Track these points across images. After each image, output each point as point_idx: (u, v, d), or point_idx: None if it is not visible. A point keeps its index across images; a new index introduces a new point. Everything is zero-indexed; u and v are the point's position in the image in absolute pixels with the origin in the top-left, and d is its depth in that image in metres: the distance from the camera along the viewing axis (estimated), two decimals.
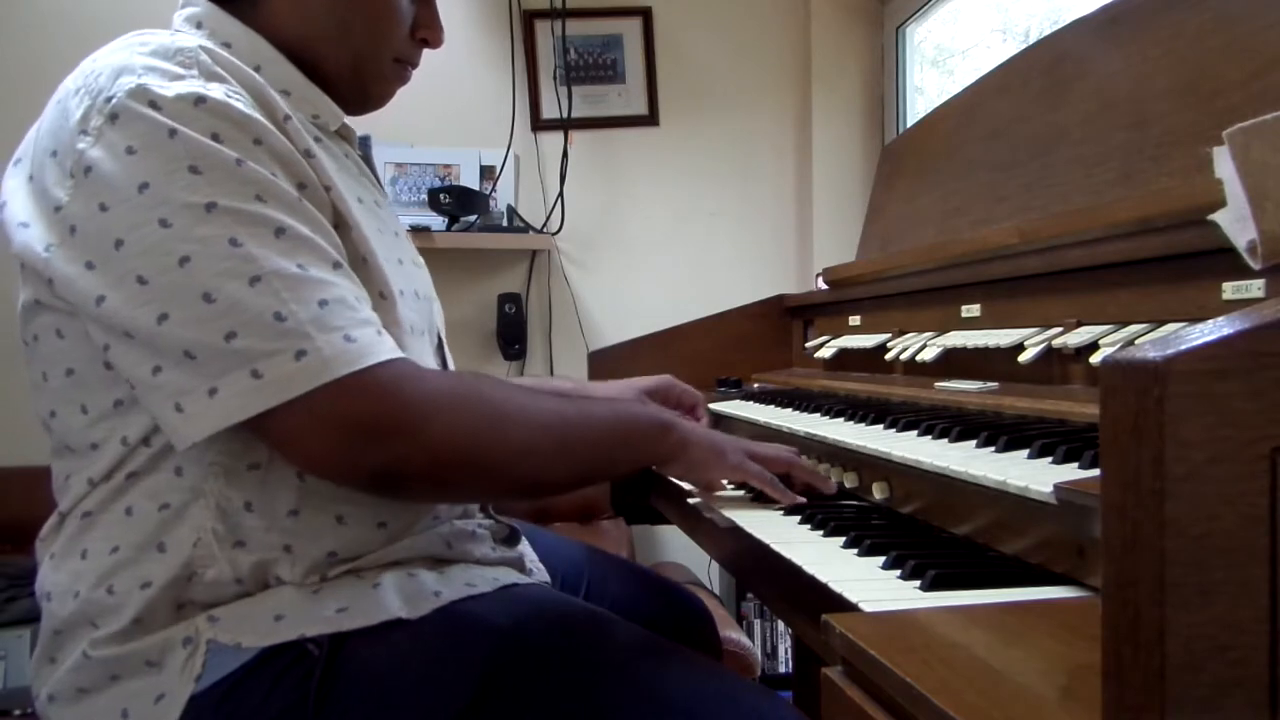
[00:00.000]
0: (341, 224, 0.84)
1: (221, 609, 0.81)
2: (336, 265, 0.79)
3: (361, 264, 0.85)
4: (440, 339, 1.03)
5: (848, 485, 1.06)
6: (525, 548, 1.04)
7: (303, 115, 0.89)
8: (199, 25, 0.89)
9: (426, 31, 0.97)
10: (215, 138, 0.77)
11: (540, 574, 1.05)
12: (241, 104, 0.79)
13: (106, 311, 0.76)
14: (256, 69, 0.87)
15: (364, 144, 1.03)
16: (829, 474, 1.11)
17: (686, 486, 1.11)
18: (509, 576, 0.93)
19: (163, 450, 0.80)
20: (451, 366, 0.99)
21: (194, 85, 0.78)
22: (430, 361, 0.96)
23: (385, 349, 0.78)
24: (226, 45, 0.87)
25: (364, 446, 0.76)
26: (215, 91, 0.78)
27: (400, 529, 0.88)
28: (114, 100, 0.76)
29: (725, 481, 1.07)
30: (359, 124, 1.01)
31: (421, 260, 1.03)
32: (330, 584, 0.84)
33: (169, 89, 0.77)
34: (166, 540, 0.81)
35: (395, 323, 0.86)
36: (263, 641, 0.80)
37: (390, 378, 0.77)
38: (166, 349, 0.75)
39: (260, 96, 0.82)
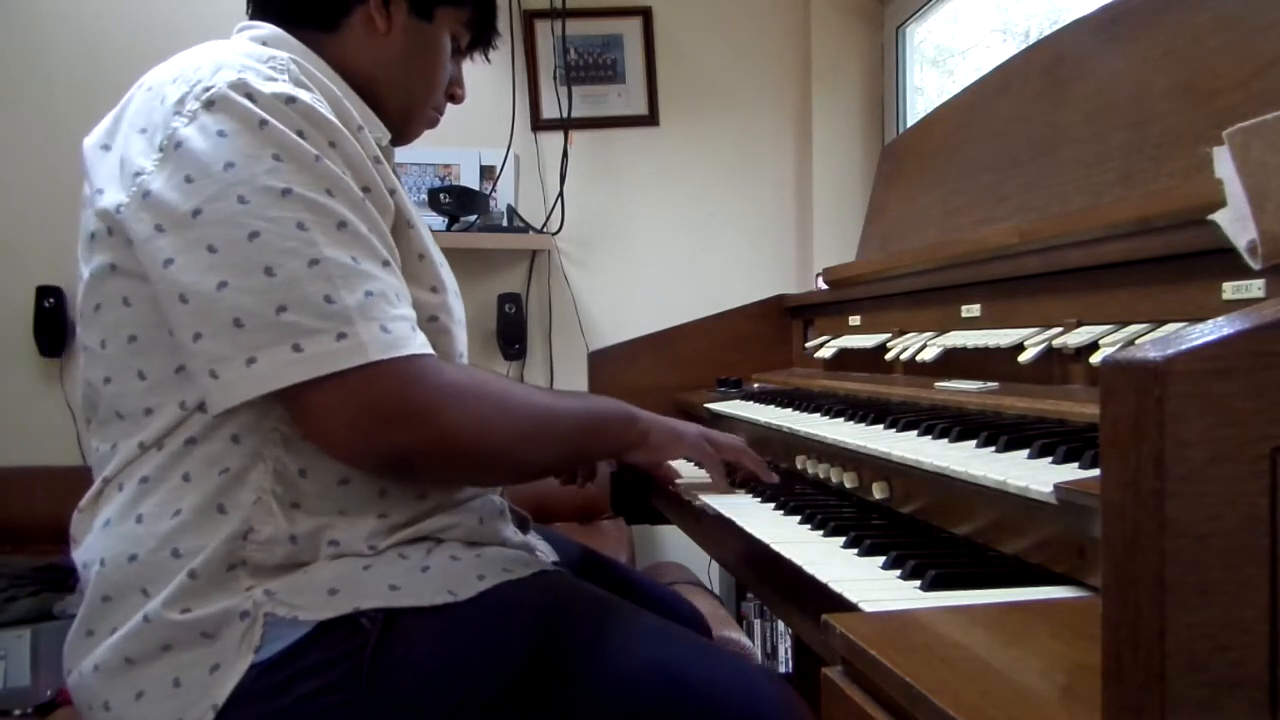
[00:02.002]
0: (403, 224, 0.93)
1: (277, 582, 0.85)
2: (385, 263, 0.86)
3: (419, 260, 0.95)
4: None
5: (848, 485, 1.06)
6: (534, 537, 1.09)
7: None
8: (263, 44, 0.95)
9: (457, 88, 1.13)
10: (300, 134, 0.84)
11: (549, 554, 1.09)
12: (325, 110, 0.87)
13: (170, 273, 0.82)
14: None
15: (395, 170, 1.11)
16: (829, 474, 1.11)
17: (682, 482, 1.19)
18: (536, 560, 0.99)
19: (219, 417, 0.85)
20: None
21: (286, 87, 0.86)
22: (468, 348, 1.04)
23: (415, 343, 0.85)
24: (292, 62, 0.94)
25: (381, 429, 0.82)
26: (304, 96, 0.86)
27: (440, 503, 0.94)
28: (213, 89, 0.84)
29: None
30: None
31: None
32: (381, 558, 0.88)
33: (265, 86, 0.85)
34: (226, 502, 0.85)
35: (447, 311, 0.97)
36: (319, 615, 0.84)
37: (415, 369, 0.84)
38: (217, 315, 0.80)
39: (338, 106, 0.90)
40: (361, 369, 0.81)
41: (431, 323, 0.94)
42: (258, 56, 0.88)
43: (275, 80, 0.86)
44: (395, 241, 0.91)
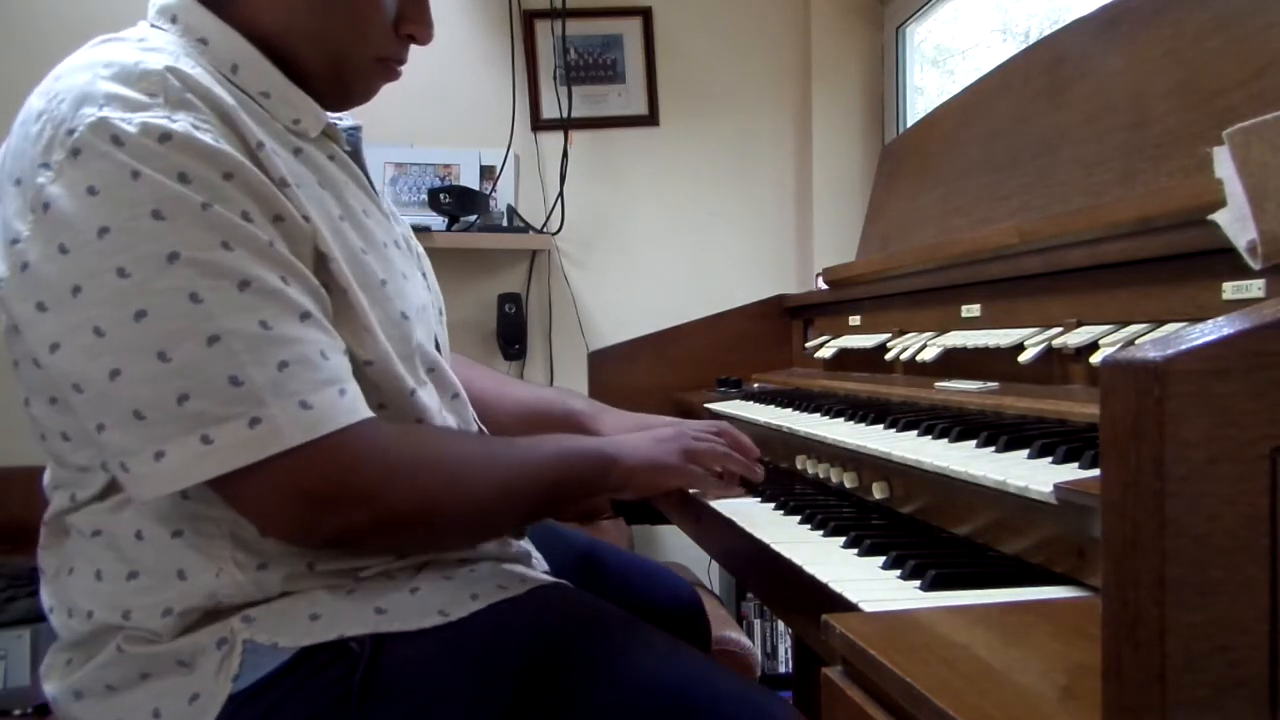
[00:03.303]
0: (320, 257, 0.81)
1: (257, 609, 0.81)
2: (305, 316, 0.76)
3: (341, 294, 0.82)
4: (437, 343, 1.01)
5: (848, 485, 1.06)
6: (527, 542, 1.05)
7: (281, 125, 0.86)
8: (174, 19, 0.85)
9: (414, 27, 0.91)
10: (182, 178, 0.73)
11: (541, 563, 1.06)
12: (209, 136, 0.75)
13: (58, 360, 0.74)
14: (233, 69, 0.84)
15: (353, 137, 0.98)
16: (829, 474, 1.11)
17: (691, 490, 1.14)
18: (531, 574, 0.95)
19: None
20: (449, 373, 0.97)
21: (158, 117, 0.74)
22: (434, 365, 0.94)
23: (343, 412, 0.76)
24: (203, 41, 0.84)
25: (319, 515, 0.75)
26: (180, 124, 0.74)
27: None
28: (76, 134, 0.73)
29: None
30: (365, 116, 0.99)
31: (415, 262, 1.01)
32: (365, 584, 0.84)
33: (132, 121, 0.73)
34: (186, 569, 0.80)
35: (379, 355, 0.85)
36: (300, 641, 0.80)
37: (350, 445, 0.76)
38: (115, 407, 0.72)
39: (232, 122, 0.78)
40: (282, 456, 0.72)
41: (369, 367, 0.85)
42: (128, 74, 0.75)
43: (146, 109, 0.74)
44: (316, 274, 0.81)
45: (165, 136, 0.73)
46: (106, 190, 0.72)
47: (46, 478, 0.88)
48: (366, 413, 0.78)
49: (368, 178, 0.96)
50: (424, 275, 1.04)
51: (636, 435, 1.04)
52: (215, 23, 0.85)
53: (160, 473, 0.72)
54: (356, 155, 0.96)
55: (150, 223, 0.72)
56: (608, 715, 0.82)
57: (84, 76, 0.76)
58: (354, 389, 0.78)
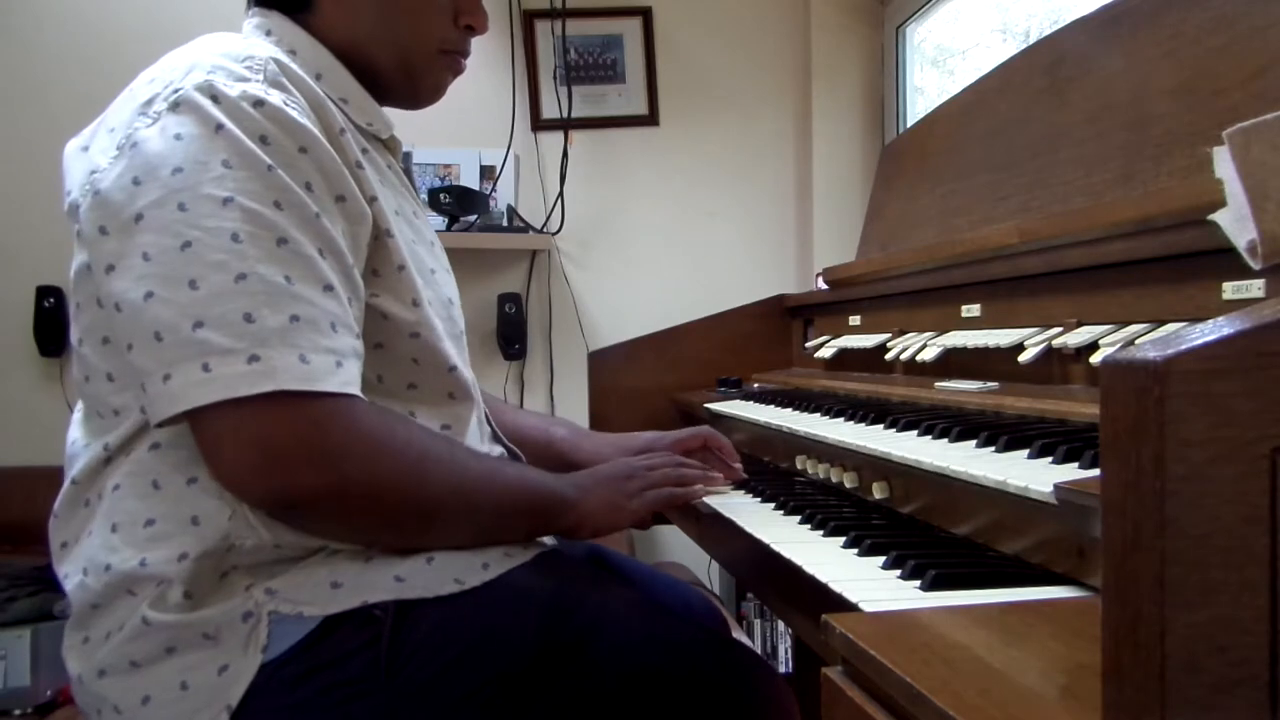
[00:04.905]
0: (382, 234, 0.89)
1: (278, 580, 0.83)
2: (328, 288, 0.81)
3: (398, 272, 0.90)
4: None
5: (848, 485, 1.06)
6: None
7: (358, 124, 0.95)
8: (268, 33, 0.93)
9: (470, 18, 0.99)
10: (263, 139, 0.80)
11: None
12: (296, 112, 0.83)
13: (110, 280, 0.79)
14: (318, 77, 0.92)
15: (405, 158, 1.06)
16: (829, 473, 1.11)
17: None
18: (535, 543, 0.97)
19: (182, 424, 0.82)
20: (468, 370, 1.00)
21: (257, 89, 0.82)
22: (464, 360, 0.98)
23: (335, 380, 0.79)
24: (293, 53, 0.92)
25: (271, 468, 0.77)
26: (274, 98, 0.82)
27: None
28: (180, 91, 0.81)
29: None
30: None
31: (450, 267, 1.06)
32: (379, 551, 0.87)
33: (233, 88, 0.81)
34: (199, 514, 0.82)
35: (429, 327, 0.91)
36: (325, 610, 0.83)
37: (326, 409, 0.78)
38: (142, 327, 0.77)
39: (320, 108, 0.86)
40: (266, 398, 0.75)
41: (414, 339, 0.90)
42: (235, 55, 0.84)
43: (247, 81, 0.82)
44: (373, 253, 0.88)
45: (259, 103, 0.81)
46: (190, 138, 0.79)
47: (73, 436, 0.90)
48: (356, 391, 0.81)
49: (415, 192, 1.05)
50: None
51: (598, 478, 1.02)
52: (304, 37, 0.94)
53: (164, 395, 0.76)
54: (408, 173, 1.08)
55: (219, 169, 0.78)
56: (620, 664, 0.87)
57: (198, 53, 0.85)
58: (352, 367, 0.81)
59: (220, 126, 0.79)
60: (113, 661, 0.84)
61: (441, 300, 0.96)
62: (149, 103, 0.82)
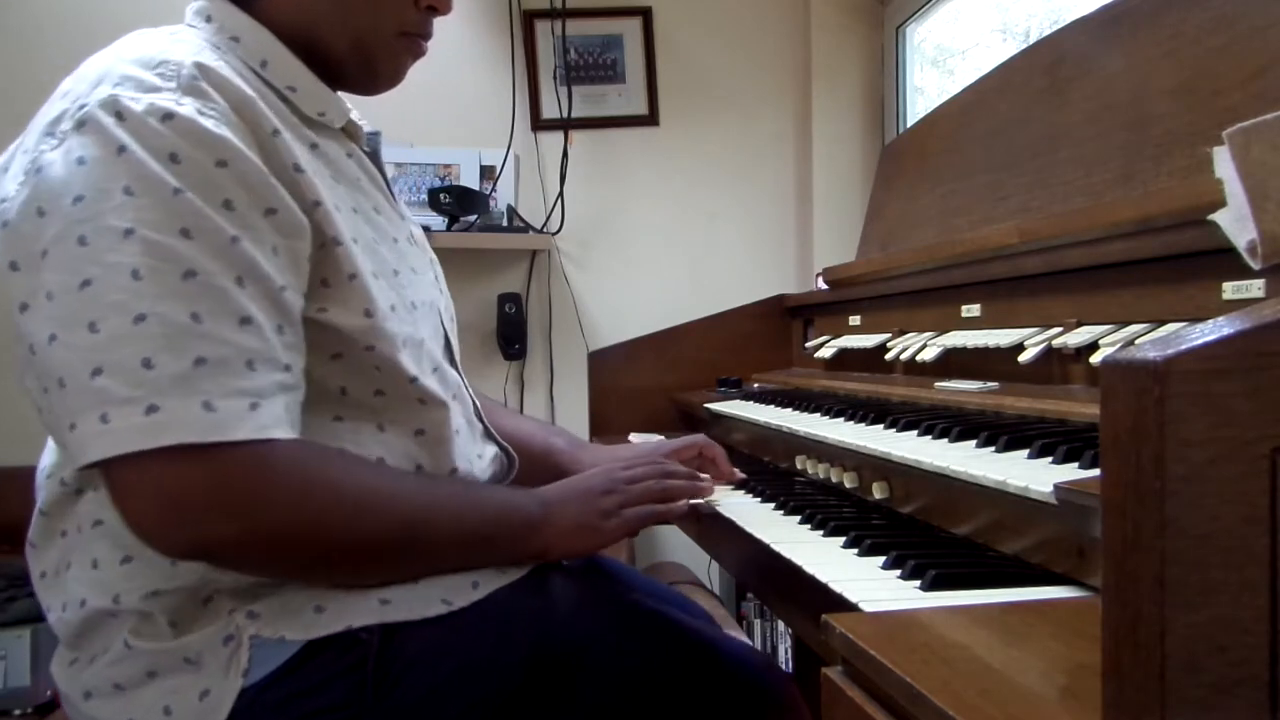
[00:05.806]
0: (328, 242, 0.82)
1: (260, 604, 0.81)
2: (245, 320, 0.74)
3: (349, 281, 0.83)
4: (448, 342, 1.00)
5: (848, 485, 1.06)
6: None
7: (306, 117, 0.88)
8: (208, 19, 0.87)
9: None
10: (172, 158, 0.74)
11: None
12: (212, 123, 0.76)
13: (21, 320, 0.75)
14: (263, 64, 0.86)
15: (372, 140, 0.99)
16: (829, 474, 1.11)
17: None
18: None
19: None
20: (451, 372, 0.97)
21: (166, 100, 0.75)
22: (437, 365, 0.93)
23: (247, 426, 0.73)
24: (235, 39, 0.86)
25: (179, 521, 0.72)
26: (186, 108, 0.75)
27: None
28: (85, 109, 0.75)
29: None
30: (367, 116, 1.00)
31: (428, 262, 1.02)
32: None
33: (140, 101, 0.75)
34: None
35: (381, 337, 0.85)
36: (308, 634, 0.80)
37: (233, 459, 0.73)
38: (49, 372, 0.73)
39: (246, 110, 0.79)
40: (165, 451, 0.70)
41: (368, 352, 0.84)
42: (148, 61, 0.77)
43: (157, 91, 0.75)
44: (320, 263, 0.81)
45: (167, 116, 0.74)
46: (93, 161, 0.73)
47: (43, 464, 0.88)
48: (280, 433, 0.75)
49: (385, 180, 0.98)
50: (436, 279, 1.05)
51: (571, 493, 0.95)
52: (246, 20, 0.87)
53: (73, 443, 0.72)
54: (375, 158, 0.99)
55: (120, 197, 0.72)
56: (616, 680, 0.86)
57: (108, 60, 0.79)
58: (274, 406, 0.75)
59: (122, 149, 0.73)
60: (97, 684, 0.83)
61: (405, 304, 0.89)
62: (56, 121, 0.76)
